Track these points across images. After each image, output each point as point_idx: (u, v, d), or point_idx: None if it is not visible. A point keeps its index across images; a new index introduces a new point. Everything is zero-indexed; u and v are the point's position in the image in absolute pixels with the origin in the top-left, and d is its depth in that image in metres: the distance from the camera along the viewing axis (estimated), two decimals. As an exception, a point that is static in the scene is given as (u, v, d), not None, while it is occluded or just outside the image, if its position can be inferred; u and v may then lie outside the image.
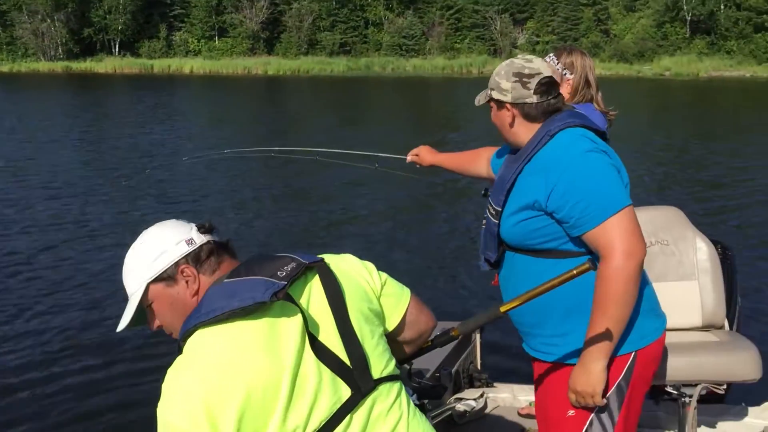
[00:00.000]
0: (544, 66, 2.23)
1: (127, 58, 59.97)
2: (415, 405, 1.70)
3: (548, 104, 2.21)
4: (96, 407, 4.58)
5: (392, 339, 1.76)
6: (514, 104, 2.21)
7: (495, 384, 3.93)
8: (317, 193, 11.45)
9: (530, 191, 2.15)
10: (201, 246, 1.59)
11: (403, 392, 1.65)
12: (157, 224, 1.66)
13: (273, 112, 26.92)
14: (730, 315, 3.31)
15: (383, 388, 1.58)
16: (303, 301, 1.53)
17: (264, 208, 10.32)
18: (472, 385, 3.85)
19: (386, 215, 9.63)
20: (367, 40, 66.53)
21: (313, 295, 1.56)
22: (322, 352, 1.50)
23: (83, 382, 4.95)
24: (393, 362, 1.65)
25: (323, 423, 1.45)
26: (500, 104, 2.25)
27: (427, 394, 1.71)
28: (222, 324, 1.44)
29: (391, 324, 1.73)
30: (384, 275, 1.75)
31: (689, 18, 61.03)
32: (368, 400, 1.54)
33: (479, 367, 3.96)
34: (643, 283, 2.16)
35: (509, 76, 2.21)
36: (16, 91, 36.77)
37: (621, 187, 2.12)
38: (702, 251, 3.25)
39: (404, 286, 1.79)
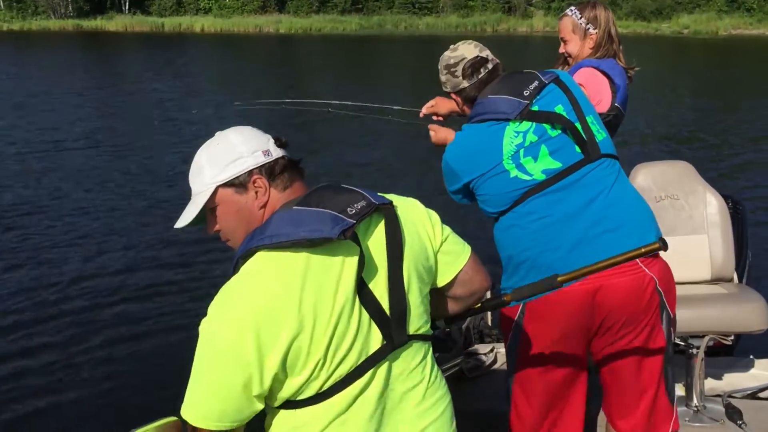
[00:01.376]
0: (467, 50, 2.39)
1: (138, 16, 59.44)
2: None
3: (480, 81, 2.37)
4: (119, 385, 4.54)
5: (441, 293, 1.75)
6: (454, 92, 2.45)
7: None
8: (331, 144, 11.45)
9: None
10: (276, 159, 1.58)
11: (430, 355, 1.66)
12: (235, 128, 1.64)
13: (285, 71, 26.77)
14: (739, 268, 3.34)
15: (414, 346, 1.59)
16: (364, 243, 1.52)
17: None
18: (482, 341, 3.90)
19: (403, 165, 9.67)
20: (379, -2, 65.55)
21: (375, 238, 1.55)
22: (368, 298, 1.50)
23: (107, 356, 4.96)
24: (429, 323, 1.65)
25: (352, 368, 1.47)
26: (448, 96, 2.54)
27: (437, 348, 1.74)
28: (285, 251, 1.44)
29: (444, 280, 1.71)
30: (447, 230, 1.72)
31: (709, -26, 59.63)
32: (396, 354, 1.55)
33: (489, 323, 4.01)
34: (542, 243, 2.23)
35: (442, 71, 2.44)
36: (27, 49, 36.66)
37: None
38: (712, 205, 3.26)
39: (465, 244, 1.76)
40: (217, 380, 1.40)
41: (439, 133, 2.92)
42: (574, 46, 3.06)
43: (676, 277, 3.25)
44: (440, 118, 3.02)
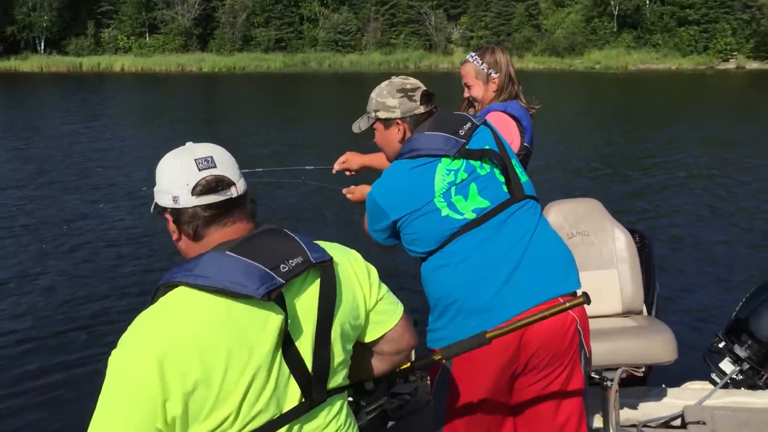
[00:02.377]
0: (417, 82, 2.40)
1: (54, 56, 57.99)
2: (349, 403, 1.69)
3: (430, 113, 2.36)
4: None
5: (367, 349, 1.72)
6: (403, 118, 2.35)
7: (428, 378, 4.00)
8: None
9: None
10: (185, 209, 1.52)
11: (345, 406, 1.64)
12: (174, 156, 1.58)
13: (207, 110, 26.50)
14: (648, 301, 3.46)
15: (330, 401, 1.57)
16: (294, 300, 1.49)
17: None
18: (406, 380, 3.89)
19: (318, 218, 9.63)
20: (302, 36, 66.10)
21: (308, 295, 1.52)
22: (292, 356, 1.47)
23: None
24: (347, 374, 1.64)
25: (266, 424, 1.44)
26: (388, 122, 2.37)
27: (360, 390, 1.72)
28: (207, 294, 1.40)
29: (372, 337, 1.69)
30: (384, 289, 1.70)
31: (616, 13, 62.77)
32: (313, 412, 1.53)
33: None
34: (470, 285, 2.24)
35: (394, 94, 2.36)
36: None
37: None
38: (620, 241, 3.38)
39: (398, 303, 1.74)
40: (121, 411, 1.36)
41: (356, 193, 2.94)
42: (478, 90, 3.14)
43: (589, 312, 3.35)
44: (353, 173, 3.04)
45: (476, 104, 3.17)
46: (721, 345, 3.51)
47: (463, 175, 2.23)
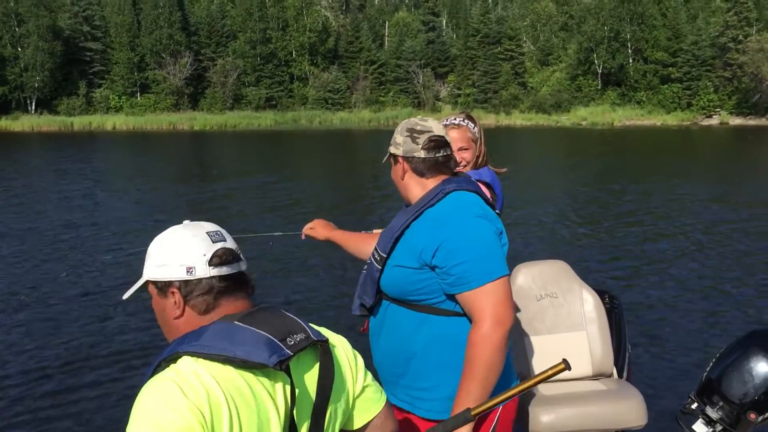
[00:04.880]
0: (437, 127, 2.35)
1: (45, 116, 58.44)
2: None
3: (435, 161, 2.32)
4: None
5: None
6: (404, 158, 2.34)
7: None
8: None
9: (417, 244, 2.22)
10: (200, 280, 1.51)
11: None
12: (190, 228, 1.58)
13: (196, 170, 26.64)
14: (619, 363, 3.44)
15: None
16: (297, 377, 1.49)
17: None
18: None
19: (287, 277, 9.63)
20: (292, 95, 67.06)
21: (308, 374, 1.52)
22: (291, 430, 1.46)
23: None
24: None
25: None
26: (395, 158, 2.37)
27: None
28: (216, 363, 1.39)
29: (358, 424, 1.70)
30: (369, 376, 1.71)
31: (600, 71, 64.21)
32: None
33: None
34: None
35: (403, 131, 2.35)
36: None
37: (501, 257, 2.21)
38: (588, 302, 3.39)
39: (383, 391, 1.75)
40: None
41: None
42: (472, 153, 3.15)
43: (560, 375, 3.34)
44: (319, 239, 3.05)
45: (467, 167, 3.18)
46: (693, 406, 3.45)
47: None
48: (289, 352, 1.42)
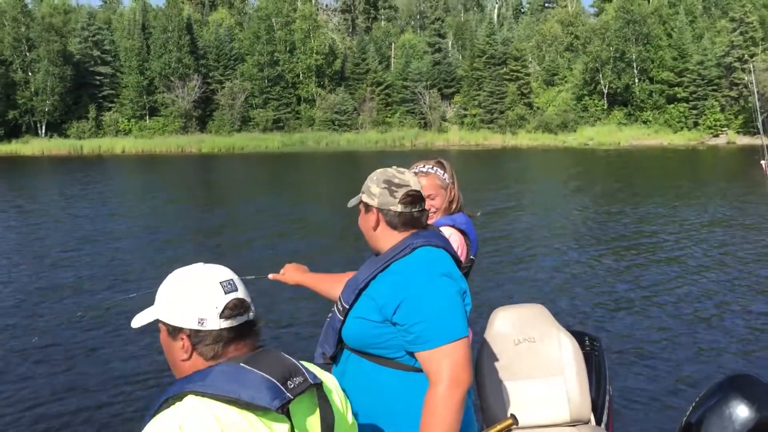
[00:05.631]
0: (414, 180, 2.36)
1: (55, 140, 58.99)
2: None
3: (411, 216, 2.33)
4: None
5: None
6: (380, 209, 2.33)
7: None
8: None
9: (379, 298, 2.22)
10: (209, 331, 1.55)
11: None
12: (205, 275, 1.60)
13: (203, 193, 26.80)
14: (598, 409, 3.43)
15: None
16: (297, 419, 1.54)
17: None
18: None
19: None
20: (300, 116, 67.43)
21: (309, 416, 1.57)
22: None
23: None
24: None
25: None
26: (368, 207, 2.36)
27: None
28: (221, 404, 1.44)
29: None
30: (351, 414, 1.78)
31: (606, 91, 64.28)
32: None
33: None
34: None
35: (380, 182, 2.33)
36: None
37: (463, 318, 2.21)
38: (566, 347, 3.39)
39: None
40: None
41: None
42: (441, 200, 3.18)
43: (536, 420, 3.34)
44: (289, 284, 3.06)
45: (436, 213, 3.20)
46: (672, 451, 3.46)
47: None
48: (289, 395, 1.48)
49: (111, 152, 56.17)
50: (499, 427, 1.90)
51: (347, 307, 2.30)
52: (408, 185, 2.33)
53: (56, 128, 61.28)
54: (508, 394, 3.31)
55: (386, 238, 2.35)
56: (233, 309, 1.56)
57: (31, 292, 10.46)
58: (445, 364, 2.12)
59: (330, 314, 2.46)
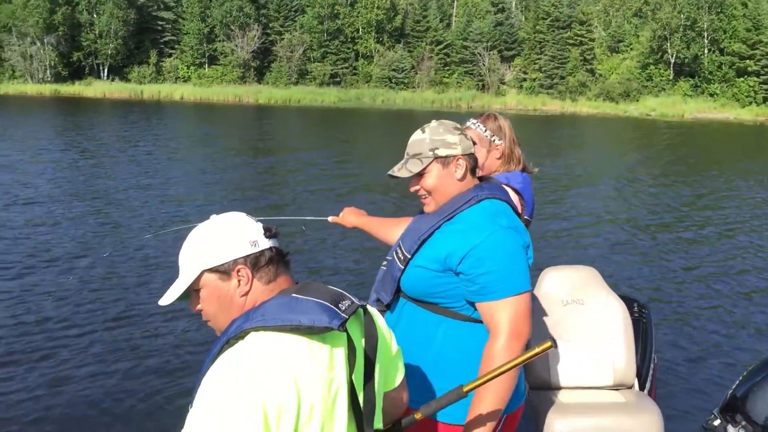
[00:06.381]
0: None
1: (117, 83, 60.12)
2: None
3: (476, 160, 2.37)
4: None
5: (390, 397, 1.82)
6: (464, 155, 2.30)
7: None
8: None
9: (444, 248, 2.22)
10: (263, 251, 1.60)
11: None
12: (228, 215, 1.66)
13: (258, 143, 27.05)
14: (642, 375, 3.40)
15: None
16: (353, 337, 1.59)
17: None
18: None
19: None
20: (357, 72, 67.12)
21: (357, 338, 1.62)
22: (351, 391, 1.56)
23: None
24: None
25: None
26: (447, 160, 2.29)
27: None
28: (284, 333, 1.48)
29: (397, 382, 1.81)
30: (396, 344, 1.82)
31: (673, 60, 62.11)
32: None
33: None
34: None
35: (451, 131, 2.30)
36: (2, 111, 36.73)
37: (527, 272, 2.22)
38: (615, 311, 3.34)
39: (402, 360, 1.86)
40: None
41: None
42: (480, 157, 3.13)
43: (579, 382, 3.32)
44: (347, 227, 3.11)
45: (478, 170, 3.16)
46: (716, 423, 3.42)
47: None
48: (344, 315, 1.52)
49: (170, 98, 56.94)
50: (538, 349, 1.91)
51: (408, 256, 2.31)
52: (467, 128, 2.39)
53: (118, 72, 62.40)
54: (552, 354, 3.30)
55: (462, 188, 2.32)
56: (270, 230, 1.64)
57: (91, 225, 10.81)
58: (508, 316, 2.13)
59: (385, 262, 2.47)
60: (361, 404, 1.59)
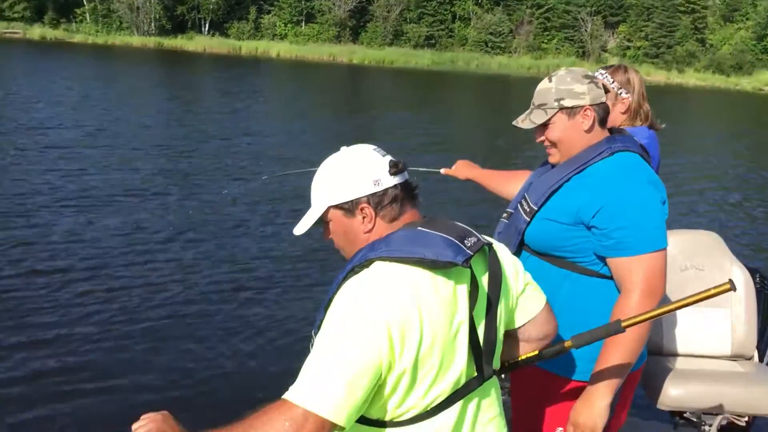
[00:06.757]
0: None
1: (217, 38, 61.50)
2: None
3: (607, 110, 2.25)
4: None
5: (513, 336, 1.81)
6: (593, 105, 2.19)
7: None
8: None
9: (575, 200, 2.14)
10: (386, 189, 1.60)
11: (498, 389, 1.73)
12: (357, 148, 1.67)
13: (351, 102, 27.23)
14: (762, 346, 3.21)
15: (493, 381, 1.67)
16: (478, 275, 1.59)
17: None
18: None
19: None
20: (452, 35, 66.22)
21: (481, 275, 1.61)
22: (470, 328, 1.55)
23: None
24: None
25: (445, 396, 1.52)
26: (573, 111, 2.20)
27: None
28: (407, 266, 1.48)
29: (520, 322, 1.78)
30: (528, 276, 1.80)
31: (793, 32, 58.20)
32: (483, 387, 1.61)
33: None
34: None
35: (580, 79, 2.20)
36: (107, 63, 38.31)
37: (663, 228, 2.12)
38: (737, 279, 3.16)
39: (542, 292, 1.83)
40: (351, 373, 1.39)
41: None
42: None
43: (696, 350, 3.18)
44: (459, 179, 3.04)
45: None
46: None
47: None
48: (469, 252, 1.51)
49: (266, 55, 57.87)
50: (714, 291, 1.80)
51: (535, 208, 2.23)
52: (596, 78, 2.23)
53: (218, 27, 63.81)
54: (670, 319, 3.16)
55: (590, 140, 2.21)
56: (395, 166, 1.61)
57: (191, 173, 11.18)
58: (642, 273, 2.04)
59: (505, 214, 2.41)
60: (482, 343, 1.57)
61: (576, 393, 2.15)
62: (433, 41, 65.34)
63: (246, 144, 14.48)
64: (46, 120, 15.16)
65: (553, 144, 2.24)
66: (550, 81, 2.23)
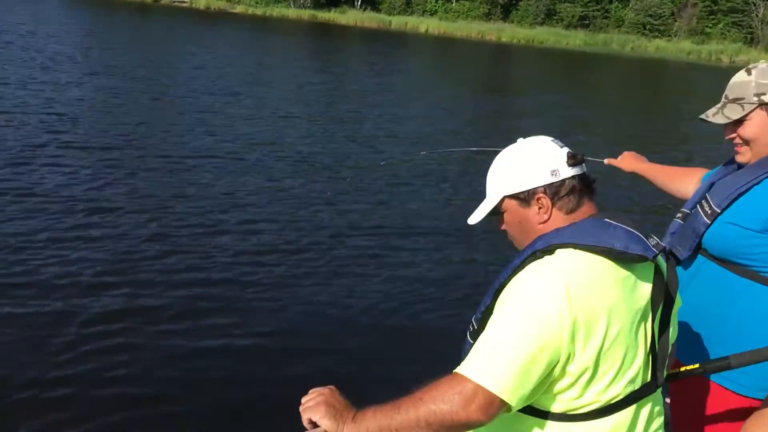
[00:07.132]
0: None
1: (368, 12, 62.32)
2: None
3: None
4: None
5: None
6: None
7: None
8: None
9: (766, 206, 1.99)
10: (564, 180, 1.59)
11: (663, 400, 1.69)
12: (533, 140, 1.67)
13: (497, 81, 26.81)
14: None
15: (662, 390, 1.64)
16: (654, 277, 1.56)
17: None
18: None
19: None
20: (608, 15, 63.31)
21: (657, 277, 1.57)
22: (651, 329, 1.54)
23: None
24: None
25: (622, 397, 1.50)
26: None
27: None
28: (594, 255, 1.47)
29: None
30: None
31: None
32: (656, 394, 1.59)
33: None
34: None
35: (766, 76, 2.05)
36: (262, 34, 39.88)
37: None
38: None
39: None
40: (527, 355, 1.39)
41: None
42: None
43: None
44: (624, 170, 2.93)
45: None
46: None
47: None
48: (654, 250, 1.48)
49: (415, 30, 58.00)
50: None
51: (718, 210, 2.08)
52: None
53: (370, 2, 64.61)
54: None
55: None
56: (573, 157, 1.59)
57: (338, 140, 11.48)
58: None
59: (680, 214, 2.27)
60: (657, 348, 1.53)
61: (746, 410, 2.00)
62: (587, 21, 62.81)
63: (392, 120, 14.63)
64: (213, 87, 16.06)
65: (746, 142, 2.08)
66: (750, 74, 2.06)
